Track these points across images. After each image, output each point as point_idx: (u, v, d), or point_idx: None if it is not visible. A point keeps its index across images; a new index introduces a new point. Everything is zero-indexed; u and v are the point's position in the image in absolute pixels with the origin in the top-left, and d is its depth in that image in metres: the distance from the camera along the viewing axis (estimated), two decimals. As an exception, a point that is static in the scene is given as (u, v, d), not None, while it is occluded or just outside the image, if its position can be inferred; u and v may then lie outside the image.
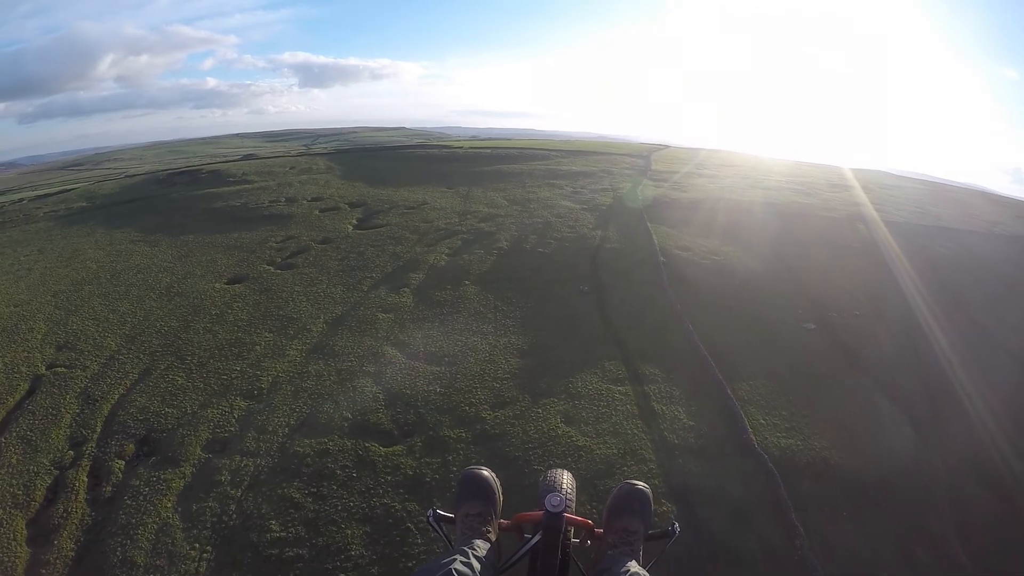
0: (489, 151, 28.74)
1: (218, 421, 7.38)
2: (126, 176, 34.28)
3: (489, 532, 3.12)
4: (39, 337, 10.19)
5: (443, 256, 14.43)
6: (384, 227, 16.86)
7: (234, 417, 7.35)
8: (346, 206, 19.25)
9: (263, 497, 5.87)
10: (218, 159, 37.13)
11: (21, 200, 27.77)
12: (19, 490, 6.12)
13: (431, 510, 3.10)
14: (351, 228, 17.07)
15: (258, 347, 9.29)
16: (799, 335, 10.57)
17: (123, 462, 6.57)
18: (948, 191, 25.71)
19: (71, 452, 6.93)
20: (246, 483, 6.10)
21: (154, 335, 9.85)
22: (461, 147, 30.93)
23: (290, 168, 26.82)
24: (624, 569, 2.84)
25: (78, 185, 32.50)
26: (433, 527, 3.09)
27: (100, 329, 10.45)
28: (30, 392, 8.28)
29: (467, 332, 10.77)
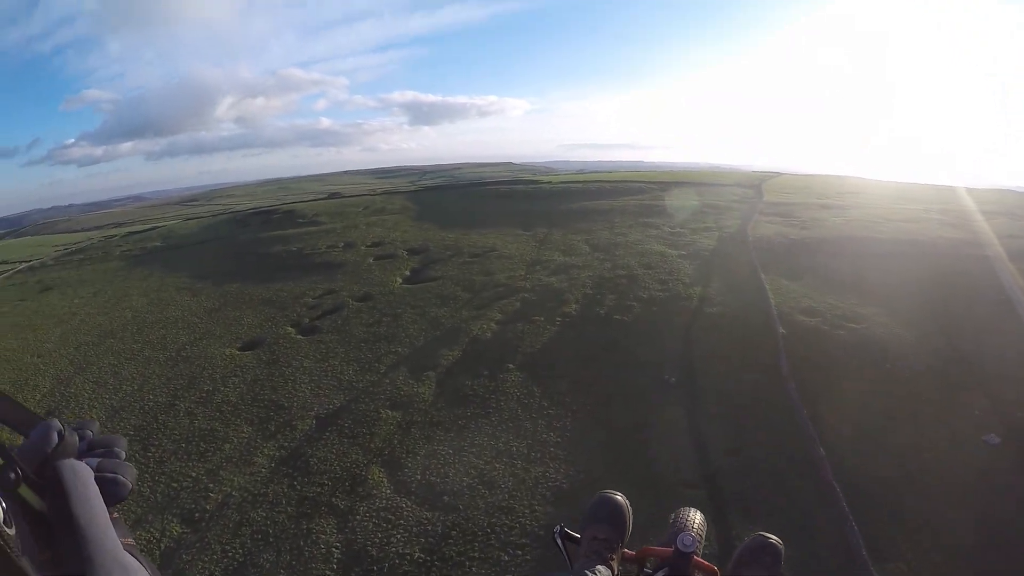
0: (580, 186, 26.61)
1: (140, 548, 5.04)
2: (210, 216, 35.14)
3: (612, 559, 2.84)
4: (38, 398, 10.25)
5: (491, 324, 11.89)
6: (436, 281, 14.87)
7: (158, 549, 6.47)
8: (404, 253, 17.63)
9: None
10: (305, 198, 36.62)
11: (113, 237, 29.73)
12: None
13: (559, 526, 2.90)
14: (399, 282, 15.25)
15: (228, 445, 8.66)
16: (978, 456, 7.23)
17: None
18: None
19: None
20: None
21: (136, 412, 9.64)
22: (550, 182, 29.01)
23: (364, 208, 25.79)
24: None
25: (163, 224, 34.46)
26: (557, 544, 2.87)
27: (93, 396, 10.29)
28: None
29: (489, 452, 8.07)
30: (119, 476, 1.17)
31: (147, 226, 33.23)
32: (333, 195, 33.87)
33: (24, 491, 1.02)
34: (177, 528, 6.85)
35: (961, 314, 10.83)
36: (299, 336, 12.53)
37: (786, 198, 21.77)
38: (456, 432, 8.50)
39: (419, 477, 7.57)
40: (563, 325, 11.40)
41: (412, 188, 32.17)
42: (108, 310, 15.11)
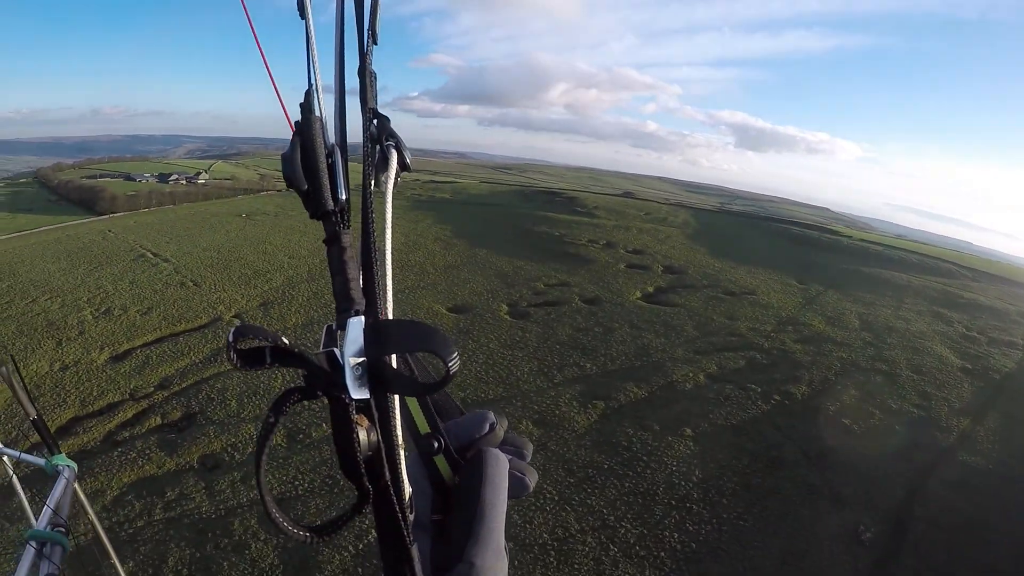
0: (880, 249, 23.76)
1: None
2: (505, 184, 36.68)
3: None
4: (267, 288, 13.22)
5: (700, 376, 10.45)
6: (674, 308, 13.73)
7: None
8: (660, 268, 16.83)
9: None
10: (604, 190, 36.59)
11: (417, 180, 33.00)
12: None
13: None
14: (636, 296, 14.39)
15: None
16: None
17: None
18: None
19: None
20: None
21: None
22: (850, 237, 26.49)
23: (645, 213, 25.14)
24: None
25: (461, 182, 36.97)
26: None
27: (304, 302, 12.59)
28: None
29: (595, 526, 6.76)
30: (526, 477, 1.14)
31: (446, 179, 35.59)
32: (626, 194, 33.55)
33: (439, 461, 1.12)
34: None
35: None
36: (507, 316, 12.30)
37: None
38: (576, 484, 7.36)
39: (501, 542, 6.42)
40: (777, 407, 9.60)
41: (706, 207, 30.83)
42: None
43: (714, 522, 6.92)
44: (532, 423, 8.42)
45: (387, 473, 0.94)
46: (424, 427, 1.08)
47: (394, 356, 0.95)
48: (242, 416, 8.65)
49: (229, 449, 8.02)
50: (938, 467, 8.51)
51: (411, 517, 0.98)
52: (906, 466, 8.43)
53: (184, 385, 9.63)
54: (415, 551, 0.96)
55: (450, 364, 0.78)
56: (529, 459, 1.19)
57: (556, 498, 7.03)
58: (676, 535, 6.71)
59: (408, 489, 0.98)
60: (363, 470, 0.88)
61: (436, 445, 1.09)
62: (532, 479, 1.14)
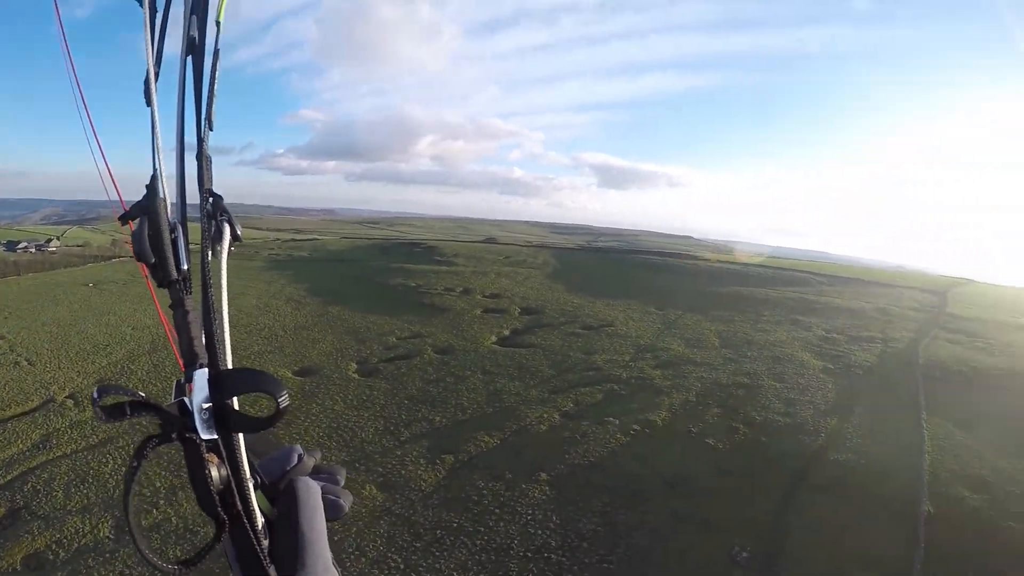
0: (738, 268, 24.30)
1: None
2: (365, 239, 36.19)
3: None
4: (106, 363, 11.77)
5: (555, 416, 9.77)
6: (530, 348, 13.14)
7: None
8: (517, 311, 16.22)
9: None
10: (473, 238, 36.35)
11: (276, 240, 32.87)
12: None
13: None
14: (492, 341, 13.73)
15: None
16: None
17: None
18: None
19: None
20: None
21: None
22: (707, 260, 26.82)
23: (505, 257, 24.79)
24: None
25: (322, 238, 36.51)
26: None
27: (146, 379, 11.22)
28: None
29: None
30: (340, 500, 1.34)
31: (307, 237, 34.82)
32: (489, 239, 33.41)
33: (258, 496, 1.19)
34: None
35: None
36: (356, 375, 11.52)
37: (976, 312, 17.83)
38: (424, 549, 6.40)
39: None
40: (638, 437, 8.94)
41: (563, 246, 31.22)
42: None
43: (575, 569, 6.16)
44: (376, 487, 7.53)
45: (238, 503, 1.10)
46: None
47: (235, 400, 1.10)
48: (69, 508, 7.33)
49: (54, 546, 6.71)
50: (809, 472, 8.11)
51: (265, 543, 1.14)
52: (776, 476, 8.00)
53: (9, 478, 8.19)
54: (273, 572, 1.09)
55: (280, 400, 1.01)
56: (343, 483, 1.39)
57: (402, 567, 6.20)
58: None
59: (261, 519, 1.15)
60: (217, 502, 1.06)
61: (252, 482, 1.15)
62: (347, 501, 1.32)
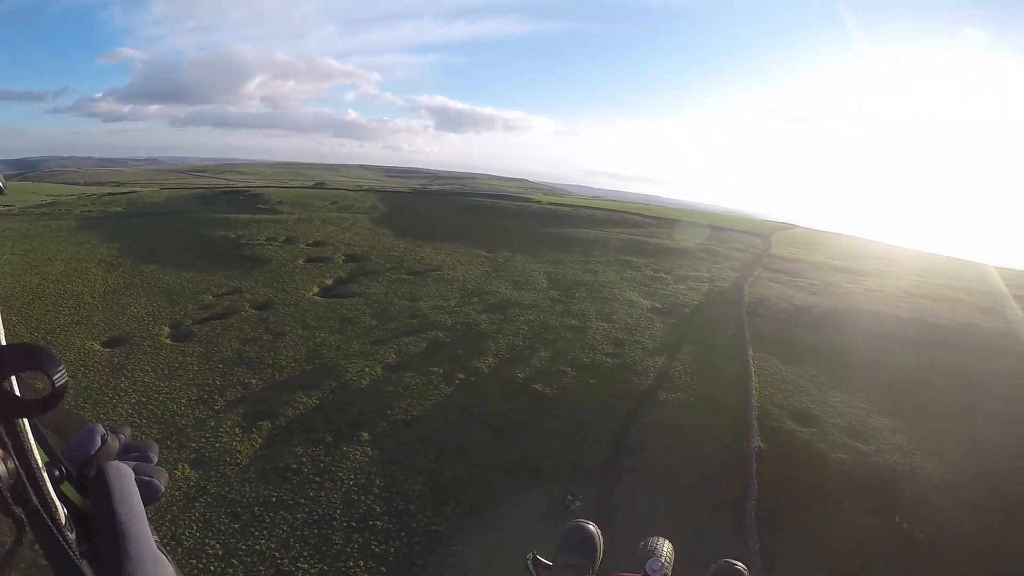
0: (569, 209, 24.36)
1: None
2: (187, 188, 33.96)
3: None
4: None
5: (376, 369, 9.36)
6: (352, 299, 12.55)
7: None
8: (341, 258, 15.54)
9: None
10: (301, 184, 34.59)
11: (91, 196, 28.59)
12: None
13: (531, 554, 2.84)
14: (314, 292, 13.04)
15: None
16: None
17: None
18: None
19: None
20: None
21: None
22: (539, 202, 26.83)
23: (332, 203, 23.76)
24: None
25: (143, 190, 32.38)
26: (530, 570, 2.81)
27: None
28: None
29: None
30: (154, 480, 1.23)
31: (125, 190, 31.90)
32: (318, 185, 32.02)
33: (67, 488, 1.11)
34: None
35: (1011, 446, 8.11)
36: (168, 340, 10.52)
37: (797, 254, 19.04)
38: (242, 530, 5.96)
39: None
40: (462, 387, 8.73)
41: (393, 189, 30.29)
42: (22, 272, 13.73)
43: (403, 536, 5.91)
44: (190, 465, 6.90)
45: (33, 497, 0.99)
46: (44, 457, 1.05)
47: (14, 381, 0.98)
48: None
49: None
50: (639, 412, 8.23)
51: (71, 536, 1.03)
52: (606, 419, 8.04)
53: None
54: (86, 566, 0.97)
55: (55, 379, 0.91)
56: (156, 460, 1.33)
57: (221, 552, 5.73)
58: (362, 563, 5.69)
59: (63, 510, 1.03)
60: (9, 499, 0.96)
61: (57, 473, 1.10)
62: (163, 480, 1.25)
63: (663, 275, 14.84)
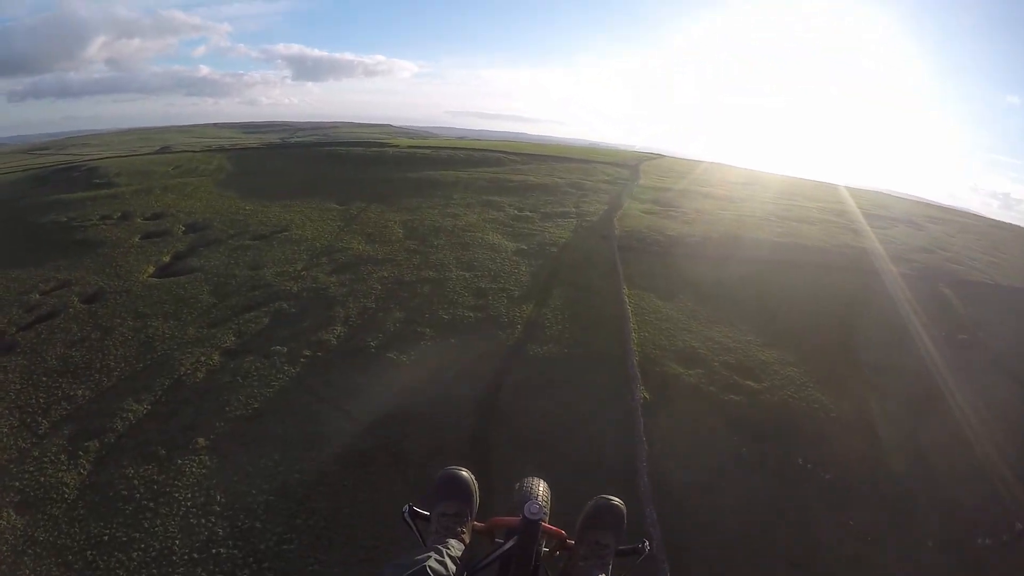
0: (428, 152, 23.54)
1: None
2: (20, 170, 31.05)
3: (463, 533, 2.93)
4: None
5: (214, 355, 8.56)
6: (190, 275, 11.48)
7: None
8: (181, 230, 14.26)
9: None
10: (149, 150, 32.20)
11: None
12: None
13: (407, 506, 2.88)
14: (149, 273, 11.84)
15: None
16: None
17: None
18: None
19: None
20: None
21: None
22: (397, 146, 25.57)
23: (174, 168, 21.97)
24: None
25: None
26: (407, 523, 2.86)
27: None
28: None
29: None
30: None
31: None
32: (163, 149, 29.78)
33: None
34: None
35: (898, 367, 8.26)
36: None
37: (666, 183, 19.19)
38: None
39: None
40: (310, 365, 8.09)
41: (238, 147, 28.70)
42: None
43: (251, 563, 5.32)
44: (15, 509, 5.99)
45: None
46: None
47: None
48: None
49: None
50: (508, 372, 7.76)
51: None
52: (471, 385, 7.52)
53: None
54: None
55: None
56: None
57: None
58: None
59: None
60: None
61: None
62: None
63: (528, 213, 14.48)
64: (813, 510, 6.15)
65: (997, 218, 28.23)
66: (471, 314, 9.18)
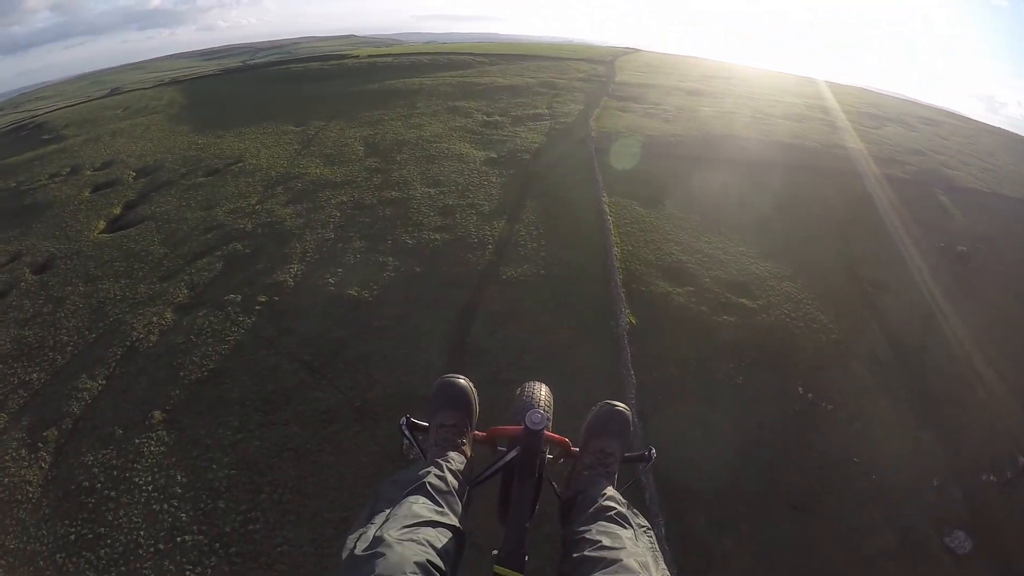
0: (390, 60, 22.42)
1: None
2: None
3: (464, 444, 2.98)
4: None
5: (166, 314, 7.99)
6: (141, 226, 10.76)
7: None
8: (131, 176, 13.37)
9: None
10: (88, 98, 30.89)
11: None
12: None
13: (404, 417, 2.89)
14: (99, 230, 11.12)
15: None
16: None
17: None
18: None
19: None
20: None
21: None
22: (357, 56, 24.45)
23: (123, 110, 20.84)
24: (601, 492, 2.70)
25: None
26: (405, 435, 2.88)
27: None
28: None
29: None
30: None
31: None
32: (115, 91, 28.78)
33: None
34: None
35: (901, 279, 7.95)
36: None
37: (645, 79, 18.26)
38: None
39: None
40: (265, 314, 7.58)
41: (189, 77, 27.61)
42: None
43: (218, 549, 5.03)
44: None
45: None
46: None
47: None
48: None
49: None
50: (480, 303, 7.25)
51: None
52: (438, 321, 7.04)
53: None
54: None
55: None
56: None
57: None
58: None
59: None
60: None
61: None
62: None
63: (498, 118, 13.72)
64: (816, 446, 5.88)
65: (983, 120, 28.03)
66: (437, 236, 8.65)
